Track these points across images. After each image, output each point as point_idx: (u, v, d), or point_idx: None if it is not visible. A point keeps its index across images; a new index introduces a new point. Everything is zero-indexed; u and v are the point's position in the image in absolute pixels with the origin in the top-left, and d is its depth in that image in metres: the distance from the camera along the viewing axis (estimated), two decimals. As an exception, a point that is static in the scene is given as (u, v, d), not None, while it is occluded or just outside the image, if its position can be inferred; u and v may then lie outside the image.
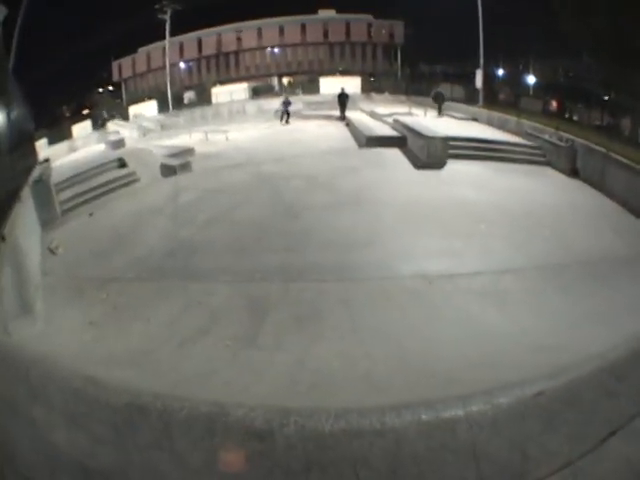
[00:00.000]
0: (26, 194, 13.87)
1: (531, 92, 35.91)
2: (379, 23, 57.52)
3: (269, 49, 57.54)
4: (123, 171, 21.26)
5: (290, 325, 9.22)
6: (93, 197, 18.42)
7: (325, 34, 57.01)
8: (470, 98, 35.96)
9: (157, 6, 43.74)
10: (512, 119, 27.13)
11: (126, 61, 57.43)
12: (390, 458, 4.21)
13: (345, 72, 53.30)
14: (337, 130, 30.22)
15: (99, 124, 37.33)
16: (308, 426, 4.30)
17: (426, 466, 4.21)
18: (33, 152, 19.38)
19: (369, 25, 57.77)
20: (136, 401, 4.78)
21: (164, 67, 48.03)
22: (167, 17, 44.74)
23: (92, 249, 13.55)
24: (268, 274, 11.40)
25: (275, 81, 57.14)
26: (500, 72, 43.63)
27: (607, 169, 17.80)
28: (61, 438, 4.90)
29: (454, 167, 20.19)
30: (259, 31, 56.35)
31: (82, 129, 36.19)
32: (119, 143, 28.69)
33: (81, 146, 32.15)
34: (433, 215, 14.60)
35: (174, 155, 23.34)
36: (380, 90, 48.69)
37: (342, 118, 33.16)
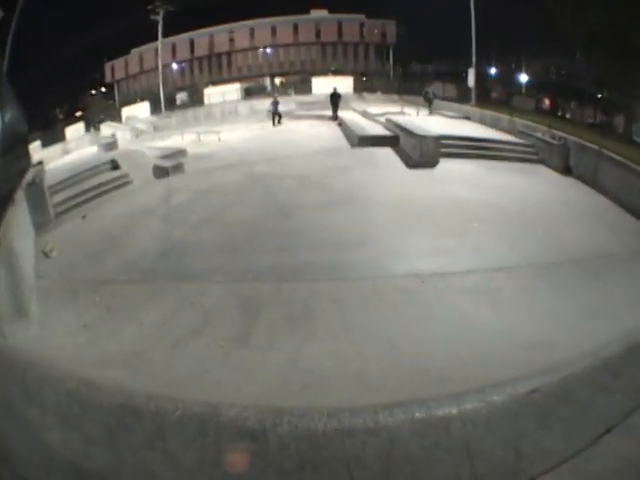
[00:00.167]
0: (20, 197, 13.84)
1: (523, 90, 35.93)
2: (371, 23, 57.37)
3: (261, 49, 57.29)
4: (116, 173, 21.26)
5: (282, 325, 9.24)
6: (86, 199, 18.40)
7: (317, 34, 56.81)
8: (463, 97, 36.01)
9: (150, 7, 43.62)
10: (505, 117, 27.18)
11: (119, 62, 57.07)
12: (383, 457, 4.20)
13: (337, 72, 53.15)
14: (329, 130, 30.16)
15: (95, 127, 37.04)
16: (301, 426, 4.29)
17: (420, 465, 4.20)
18: (27, 154, 19.32)
19: (361, 25, 57.61)
20: (129, 402, 4.76)
21: (157, 68, 47.86)
22: (160, 18, 44.62)
23: (85, 251, 13.55)
24: (260, 274, 11.42)
25: (267, 81, 57.01)
26: (492, 71, 43.62)
27: (600, 166, 17.85)
28: (56, 439, 4.89)
29: (447, 166, 20.20)
30: (251, 31, 56.12)
31: (75, 131, 36.11)
32: (112, 145, 28.65)
33: (74, 148, 32.10)
34: (426, 214, 14.61)
35: (166, 156, 23.26)
36: (372, 90, 48.68)
37: (334, 118, 33.08)
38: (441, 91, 37.58)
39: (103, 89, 59.53)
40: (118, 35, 46.17)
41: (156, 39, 46.74)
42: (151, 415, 4.56)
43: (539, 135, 22.43)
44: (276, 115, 33.73)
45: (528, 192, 16.96)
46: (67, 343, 8.88)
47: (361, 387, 6.85)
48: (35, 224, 15.01)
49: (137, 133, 35.60)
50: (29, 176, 16.57)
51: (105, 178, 20.48)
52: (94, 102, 57.36)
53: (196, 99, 48.30)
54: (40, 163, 19.77)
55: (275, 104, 34.11)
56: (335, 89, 34.38)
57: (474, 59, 35.84)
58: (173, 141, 29.73)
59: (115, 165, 21.86)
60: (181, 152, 24.45)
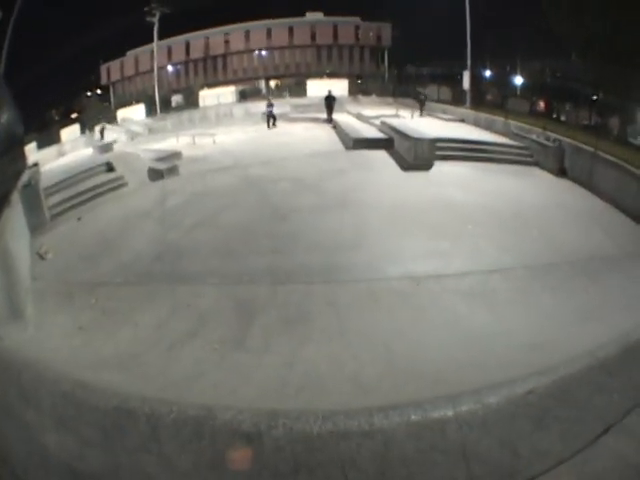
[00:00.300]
0: (15, 198, 13.78)
1: (518, 93, 35.99)
2: (366, 25, 57.43)
3: (257, 52, 57.30)
4: (111, 175, 21.24)
5: (278, 327, 9.22)
6: (81, 201, 18.39)
7: (312, 37, 56.84)
8: (457, 99, 36.08)
9: (146, 9, 43.61)
10: (499, 120, 27.17)
11: (114, 64, 56.98)
12: (379, 459, 4.20)
13: (332, 74, 53.28)
14: (324, 132, 30.17)
15: (101, 134, 36.75)
16: (296, 428, 4.29)
17: (415, 467, 4.20)
18: (22, 156, 19.23)
19: (356, 27, 57.65)
20: (124, 404, 4.76)
21: (152, 70, 47.89)
22: (155, 20, 44.63)
23: (81, 254, 13.52)
24: (256, 276, 11.40)
25: (262, 84, 56.99)
26: (487, 73, 43.66)
27: (595, 168, 17.90)
28: (51, 441, 4.90)
29: (441, 168, 20.21)
30: (247, 34, 56.09)
31: (71, 133, 36.08)
32: (107, 147, 28.63)
33: (69, 150, 32.09)
34: (420, 216, 14.61)
35: (161, 159, 23.26)
36: (367, 92, 48.79)
37: (329, 120, 33.06)
38: (436, 94, 37.66)
39: (99, 91, 59.53)
40: (114, 37, 46.25)
41: (152, 41, 46.79)
42: (146, 418, 4.56)
43: (534, 137, 22.48)
44: (271, 118, 33.72)
45: (523, 194, 16.97)
46: (63, 345, 8.84)
47: (356, 390, 6.84)
48: (30, 226, 14.92)
49: (132, 135, 35.56)
50: (25, 178, 16.51)
51: (100, 180, 20.47)
52: (89, 104, 57.34)
53: (191, 101, 48.28)
54: (36, 165, 19.69)
55: (269, 106, 34.13)
56: (330, 92, 34.36)
57: (469, 62, 35.85)
58: (168, 143, 29.67)
59: (110, 167, 21.84)
60: (176, 155, 24.46)
